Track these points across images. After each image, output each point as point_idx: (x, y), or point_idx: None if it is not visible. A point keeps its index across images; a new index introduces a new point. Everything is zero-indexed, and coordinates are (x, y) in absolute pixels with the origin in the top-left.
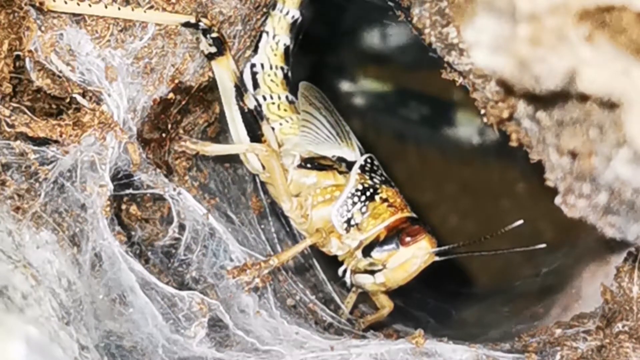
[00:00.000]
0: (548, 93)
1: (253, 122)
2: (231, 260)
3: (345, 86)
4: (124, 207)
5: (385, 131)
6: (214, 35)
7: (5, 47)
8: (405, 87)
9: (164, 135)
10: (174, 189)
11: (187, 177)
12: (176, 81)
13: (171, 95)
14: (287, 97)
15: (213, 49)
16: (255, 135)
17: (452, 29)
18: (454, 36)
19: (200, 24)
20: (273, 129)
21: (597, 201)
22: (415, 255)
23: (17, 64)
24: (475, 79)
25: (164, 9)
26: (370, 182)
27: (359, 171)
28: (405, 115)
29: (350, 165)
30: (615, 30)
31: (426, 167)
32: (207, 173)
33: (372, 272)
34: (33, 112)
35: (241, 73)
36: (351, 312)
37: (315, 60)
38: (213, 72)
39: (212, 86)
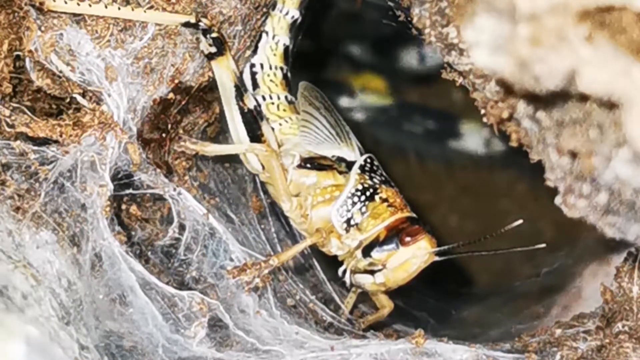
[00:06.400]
0: (548, 93)
1: (253, 122)
2: (231, 260)
3: (344, 102)
4: (124, 207)
5: (386, 146)
6: (214, 35)
7: (5, 47)
8: (406, 100)
9: (164, 135)
10: (174, 189)
11: (187, 177)
12: (176, 81)
13: (171, 95)
14: (286, 97)
15: (213, 49)
16: (255, 135)
17: (452, 29)
18: (454, 36)
19: (200, 24)
20: (273, 129)
21: (597, 201)
22: (415, 255)
23: (17, 64)
24: (475, 79)
25: (164, 9)
26: (370, 182)
27: (358, 171)
28: (408, 129)
29: (350, 165)
30: (615, 30)
31: (429, 181)
32: (207, 173)
33: (372, 272)
34: (33, 112)
35: (241, 73)
36: (351, 312)
37: (312, 77)
38: (213, 72)
39: (212, 86)
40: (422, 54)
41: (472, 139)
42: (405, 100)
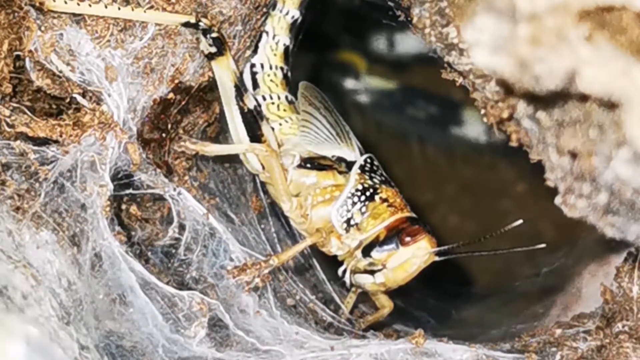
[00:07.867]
0: (548, 93)
1: (253, 122)
2: (231, 260)
3: (350, 84)
4: (124, 207)
5: (389, 129)
6: (214, 35)
7: (5, 47)
8: (411, 84)
9: (164, 135)
10: (174, 189)
11: (187, 177)
12: (176, 81)
13: (171, 95)
14: (286, 97)
15: (213, 49)
16: (255, 135)
17: (452, 29)
18: (454, 36)
19: (200, 24)
20: (273, 129)
21: (597, 201)
22: (415, 255)
23: (17, 64)
24: (475, 79)
25: (164, 9)
26: (370, 182)
27: (358, 171)
28: (411, 114)
29: (350, 165)
30: (615, 30)
31: (430, 166)
32: (207, 173)
33: (372, 272)
34: (33, 112)
35: (241, 73)
36: (351, 312)
37: (317, 58)
38: (213, 72)
39: (212, 86)
40: (392, 40)
41: (474, 127)
42: (409, 84)
